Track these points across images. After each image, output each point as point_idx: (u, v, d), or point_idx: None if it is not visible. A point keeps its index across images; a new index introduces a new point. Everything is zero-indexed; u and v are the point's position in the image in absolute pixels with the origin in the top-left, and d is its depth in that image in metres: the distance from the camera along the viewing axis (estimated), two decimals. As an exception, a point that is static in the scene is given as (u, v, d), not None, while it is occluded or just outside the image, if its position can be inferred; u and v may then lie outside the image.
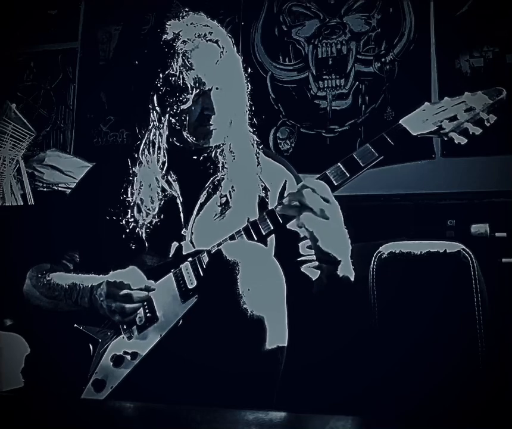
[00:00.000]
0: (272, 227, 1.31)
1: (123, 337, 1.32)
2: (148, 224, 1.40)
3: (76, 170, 2.90)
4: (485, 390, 1.16)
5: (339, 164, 1.31)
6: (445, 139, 1.32)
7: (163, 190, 1.43)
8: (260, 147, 1.52)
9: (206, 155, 1.45)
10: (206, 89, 1.38)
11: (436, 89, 2.77)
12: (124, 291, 1.29)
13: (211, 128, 1.40)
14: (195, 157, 1.45)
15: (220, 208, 1.45)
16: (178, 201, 1.45)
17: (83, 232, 1.48)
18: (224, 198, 1.44)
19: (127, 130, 3.28)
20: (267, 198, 1.47)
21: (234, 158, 1.45)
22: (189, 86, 1.36)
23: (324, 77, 3.04)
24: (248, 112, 1.48)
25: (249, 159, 1.47)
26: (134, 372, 1.28)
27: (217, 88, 1.39)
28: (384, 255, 1.23)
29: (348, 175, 1.29)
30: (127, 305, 1.29)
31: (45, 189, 2.97)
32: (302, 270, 1.44)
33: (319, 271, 1.39)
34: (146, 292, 1.32)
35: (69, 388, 1.27)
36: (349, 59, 3.01)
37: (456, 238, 1.80)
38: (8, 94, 3.37)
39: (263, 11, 3.19)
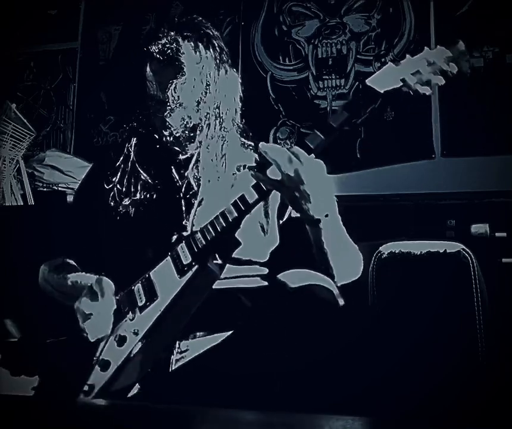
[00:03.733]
0: (257, 196, 1.33)
1: (126, 320, 1.33)
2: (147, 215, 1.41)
3: (76, 170, 2.90)
4: (485, 390, 1.16)
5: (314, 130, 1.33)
6: (411, 93, 1.32)
7: (162, 184, 1.45)
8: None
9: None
10: (162, 101, 1.41)
11: (436, 89, 2.77)
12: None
13: (169, 140, 1.43)
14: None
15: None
16: (180, 193, 1.46)
17: (82, 232, 1.48)
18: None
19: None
20: None
21: (213, 163, 1.46)
22: (150, 95, 1.42)
23: (324, 77, 3.04)
24: (222, 121, 1.48)
25: (233, 159, 1.48)
26: (134, 372, 1.28)
27: (174, 103, 1.41)
28: (384, 255, 1.23)
29: (323, 138, 1.31)
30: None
31: (45, 189, 2.97)
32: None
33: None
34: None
35: (69, 388, 1.27)
36: (349, 59, 3.00)
37: (456, 238, 1.80)
38: (8, 94, 3.37)
39: (263, 11, 3.19)
